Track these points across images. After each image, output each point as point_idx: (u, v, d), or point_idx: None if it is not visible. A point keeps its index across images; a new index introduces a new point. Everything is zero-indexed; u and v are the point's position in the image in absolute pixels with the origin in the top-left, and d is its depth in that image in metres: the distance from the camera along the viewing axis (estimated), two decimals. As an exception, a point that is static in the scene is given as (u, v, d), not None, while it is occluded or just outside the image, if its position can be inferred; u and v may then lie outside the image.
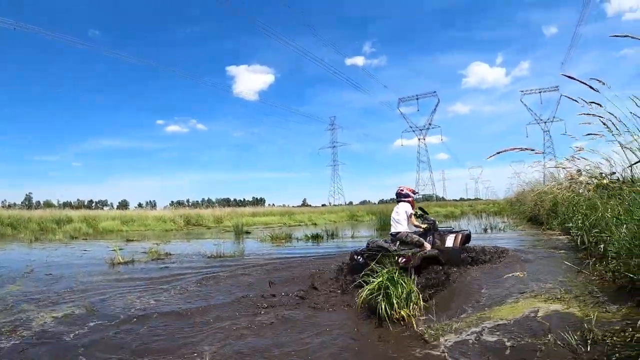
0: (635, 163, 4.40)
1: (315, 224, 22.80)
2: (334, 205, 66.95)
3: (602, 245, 5.08)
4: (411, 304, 4.04)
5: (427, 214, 6.86)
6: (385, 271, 4.21)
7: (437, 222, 6.55)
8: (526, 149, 3.49)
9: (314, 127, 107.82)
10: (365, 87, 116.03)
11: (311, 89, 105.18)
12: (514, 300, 4.39)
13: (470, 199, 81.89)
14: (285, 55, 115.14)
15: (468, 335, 3.48)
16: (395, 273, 4.15)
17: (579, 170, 9.88)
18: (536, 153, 3.47)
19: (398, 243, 5.82)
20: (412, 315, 3.93)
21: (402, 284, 4.07)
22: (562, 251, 7.08)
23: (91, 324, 4.33)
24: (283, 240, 12.99)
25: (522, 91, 71.05)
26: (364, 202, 74.82)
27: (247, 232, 16.99)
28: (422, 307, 4.11)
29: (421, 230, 6.35)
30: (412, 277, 4.72)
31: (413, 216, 6.15)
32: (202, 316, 4.51)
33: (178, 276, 6.96)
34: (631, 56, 70.09)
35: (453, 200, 78.33)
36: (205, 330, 4.02)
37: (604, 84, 3.25)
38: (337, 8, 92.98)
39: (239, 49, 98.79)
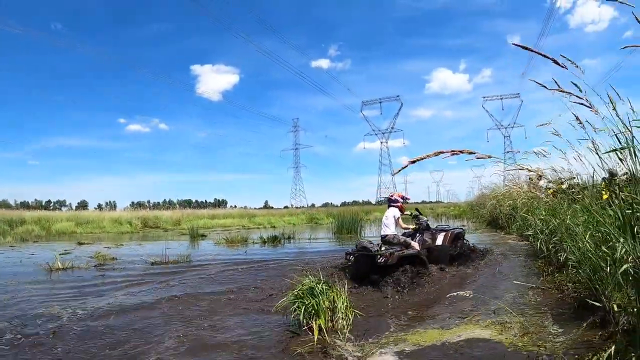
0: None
1: (274, 227, 22.28)
2: (296, 207, 66.34)
3: (562, 254, 4.70)
4: (336, 316, 3.83)
5: (422, 214, 7.32)
6: (308, 280, 3.97)
7: (428, 223, 7.06)
8: (469, 152, 2.96)
9: (277, 128, 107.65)
10: (329, 90, 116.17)
11: (275, 91, 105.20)
12: (450, 321, 3.96)
13: (432, 202, 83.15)
14: (250, 56, 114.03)
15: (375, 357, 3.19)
16: (319, 284, 3.91)
17: (539, 175, 9.70)
18: (477, 157, 2.95)
19: (381, 244, 6.21)
20: (332, 329, 3.74)
21: (324, 294, 3.83)
22: (521, 258, 6.76)
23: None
24: (238, 244, 12.57)
25: (484, 97, 72.81)
26: (326, 205, 75.41)
27: (203, 235, 16.38)
28: (350, 321, 3.84)
29: (410, 230, 6.86)
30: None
31: (400, 219, 6.65)
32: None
33: (109, 285, 6.34)
34: (591, 66, 73.09)
35: (415, 203, 79.18)
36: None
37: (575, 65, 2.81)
38: (305, 11, 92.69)
39: (204, 48, 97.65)
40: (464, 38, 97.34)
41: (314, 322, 3.65)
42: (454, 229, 7.17)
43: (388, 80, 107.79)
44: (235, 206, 64.45)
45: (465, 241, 7.40)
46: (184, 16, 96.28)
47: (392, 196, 6.94)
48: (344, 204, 78.83)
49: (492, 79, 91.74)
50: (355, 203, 79.71)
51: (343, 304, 3.91)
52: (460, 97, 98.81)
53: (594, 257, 3.49)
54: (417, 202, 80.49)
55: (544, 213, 5.98)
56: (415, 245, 6.33)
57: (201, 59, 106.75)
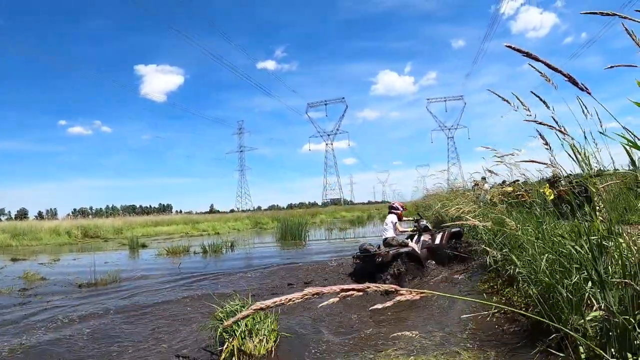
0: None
1: (219, 233, 21.50)
2: (242, 210, 65.80)
3: (511, 268, 4.38)
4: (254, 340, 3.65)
5: (422, 218, 8.23)
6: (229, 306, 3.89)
7: (427, 225, 7.88)
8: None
9: (222, 130, 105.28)
10: (274, 91, 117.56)
11: (221, 92, 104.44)
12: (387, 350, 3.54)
13: (378, 202, 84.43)
14: (195, 56, 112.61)
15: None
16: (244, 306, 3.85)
17: (483, 178, 9.60)
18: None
19: (381, 245, 7.23)
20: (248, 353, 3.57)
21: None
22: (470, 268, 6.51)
23: None
24: (180, 254, 12.07)
25: (428, 99, 75.16)
26: (272, 207, 75.14)
27: (144, 245, 15.56)
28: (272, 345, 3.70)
29: (408, 232, 7.63)
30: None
31: (398, 224, 7.38)
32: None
33: (17, 320, 5.41)
34: (532, 71, 76.78)
35: (361, 203, 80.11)
36: None
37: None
38: (251, 12, 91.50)
39: (148, 48, 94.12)
40: (409, 41, 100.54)
41: (225, 347, 3.52)
42: (448, 228, 7.58)
43: (334, 82, 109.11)
44: (181, 211, 62.72)
45: (460, 242, 7.75)
46: (128, 13, 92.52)
47: (393, 204, 7.88)
48: (290, 206, 79.83)
49: (437, 81, 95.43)
50: (301, 205, 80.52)
51: (268, 326, 3.76)
52: (406, 98, 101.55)
53: (546, 277, 3.17)
54: (363, 203, 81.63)
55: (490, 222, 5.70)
56: (412, 244, 7.08)
57: (145, 59, 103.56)
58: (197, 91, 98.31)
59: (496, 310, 4.05)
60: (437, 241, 7.57)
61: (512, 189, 7.02)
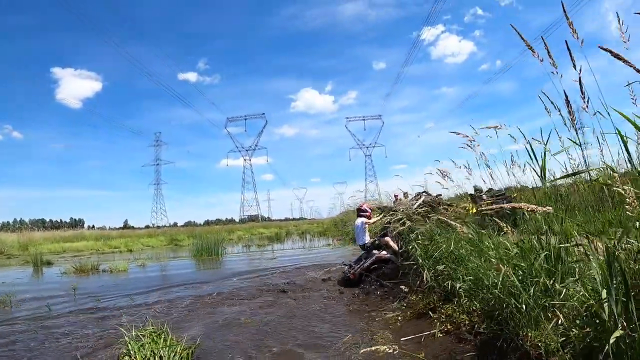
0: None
1: (131, 251, 20.30)
2: (157, 226, 62.51)
3: (449, 283, 4.27)
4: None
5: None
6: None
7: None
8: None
9: (139, 142, 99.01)
10: (195, 104, 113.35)
11: (139, 101, 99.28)
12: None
13: (295, 219, 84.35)
14: (115, 62, 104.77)
15: None
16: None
17: (405, 193, 9.74)
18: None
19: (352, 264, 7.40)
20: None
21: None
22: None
23: None
24: (88, 272, 11.42)
25: (347, 118, 77.45)
26: (188, 223, 71.87)
27: (49, 263, 14.31)
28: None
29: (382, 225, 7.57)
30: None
31: (366, 226, 7.48)
32: None
33: None
34: (448, 93, 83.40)
35: (279, 220, 79.51)
36: None
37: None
38: (178, 21, 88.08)
39: (67, 49, 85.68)
40: (332, 60, 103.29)
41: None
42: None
43: (255, 97, 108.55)
44: (93, 226, 58.10)
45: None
46: (46, 11, 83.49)
47: (361, 206, 7.85)
48: (207, 222, 77.38)
49: (356, 100, 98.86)
50: (219, 221, 78.59)
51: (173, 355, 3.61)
52: (325, 116, 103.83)
53: (493, 291, 3.04)
54: (280, 219, 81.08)
55: (419, 236, 5.64)
56: (390, 241, 7.04)
57: (63, 61, 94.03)
58: (115, 99, 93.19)
59: (439, 330, 3.90)
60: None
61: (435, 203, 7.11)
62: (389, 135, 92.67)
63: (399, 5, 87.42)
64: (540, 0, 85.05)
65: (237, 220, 75.90)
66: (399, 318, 4.88)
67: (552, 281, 2.60)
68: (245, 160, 77.10)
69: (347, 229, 14.92)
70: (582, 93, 2.07)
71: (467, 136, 3.68)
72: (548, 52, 2.23)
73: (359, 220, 7.63)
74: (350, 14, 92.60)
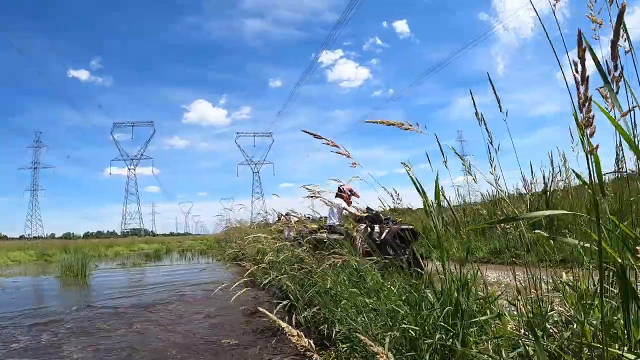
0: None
1: None
2: (32, 237, 56.05)
3: (325, 327, 3.46)
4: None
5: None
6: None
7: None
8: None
9: (17, 140, 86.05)
10: (82, 105, 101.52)
11: (21, 96, 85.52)
12: None
13: (180, 234, 79.85)
14: None
15: None
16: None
17: (287, 214, 8.93)
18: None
19: None
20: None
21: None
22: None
23: None
24: None
25: (238, 133, 75.47)
26: (67, 235, 65.22)
27: None
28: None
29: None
30: None
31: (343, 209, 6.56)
32: None
33: None
34: (341, 116, 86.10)
35: (162, 235, 74.47)
36: None
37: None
38: (76, 11, 78.61)
39: None
40: (229, 74, 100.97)
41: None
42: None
43: (148, 105, 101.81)
44: None
45: None
46: None
47: (342, 186, 6.52)
48: (87, 235, 71.10)
49: (249, 116, 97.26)
50: (100, 234, 72.47)
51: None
52: (217, 130, 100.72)
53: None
54: (164, 234, 76.09)
55: (293, 263, 4.80)
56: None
57: None
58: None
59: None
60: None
61: (317, 226, 6.43)
62: (278, 153, 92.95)
63: (304, 27, 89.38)
64: (436, 36, 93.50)
65: (119, 233, 70.06)
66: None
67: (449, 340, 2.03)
68: (129, 169, 71.10)
69: (228, 248, 13.68)
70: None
71: (350, 157, 2.98)
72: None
73: (337, 202, 6.54)
74: (254, 30, 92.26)
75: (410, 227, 6.12)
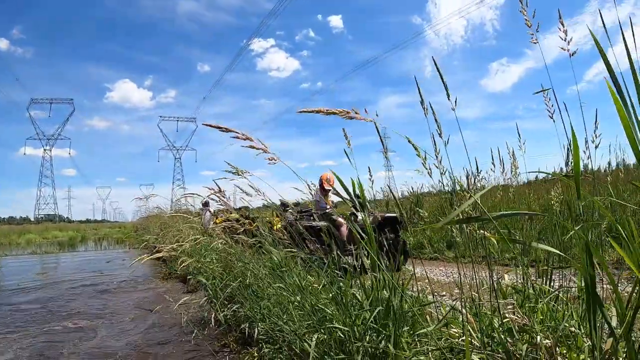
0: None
1: None
2: None
3: (246, 325, 3.15)
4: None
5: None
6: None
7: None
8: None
9: None
10: None
11: None
12: None
13: (97, 221, 74.87)
14: None
15: None
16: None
17: (206, 203, 8.63)
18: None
19: None
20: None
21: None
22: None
23: None
24: None
25: (161, 117, 72.24)
26: None
27: None
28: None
29: None
30: None
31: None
32: None
33: None
34: (266, 105, 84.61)
35: (78, 221, 69.28)
36: None
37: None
38: None
39: None
40: (157, 56, 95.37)
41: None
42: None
43: (69, 81, 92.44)
44: None
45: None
46: None
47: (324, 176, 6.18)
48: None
49: (175, 100, 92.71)
50: (12, 220, 66.70)
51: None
52: (140, 112, 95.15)
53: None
54: (81, 221, 71.10)
55: (214, 258, 4.42)
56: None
57: None
58: None
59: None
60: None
61: (238, 216, 6.09)
62: (201, 140, 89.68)
63: (238, 13, 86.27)
64: (368, 36, 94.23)
65: (32, 219, 64.74)
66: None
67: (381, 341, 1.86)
68: (45, 150, 65.31)
69: (146, 237, 12.66)
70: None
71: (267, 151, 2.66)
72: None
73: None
74: (186, 11, 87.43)
75: (394, 215, 5.98)
